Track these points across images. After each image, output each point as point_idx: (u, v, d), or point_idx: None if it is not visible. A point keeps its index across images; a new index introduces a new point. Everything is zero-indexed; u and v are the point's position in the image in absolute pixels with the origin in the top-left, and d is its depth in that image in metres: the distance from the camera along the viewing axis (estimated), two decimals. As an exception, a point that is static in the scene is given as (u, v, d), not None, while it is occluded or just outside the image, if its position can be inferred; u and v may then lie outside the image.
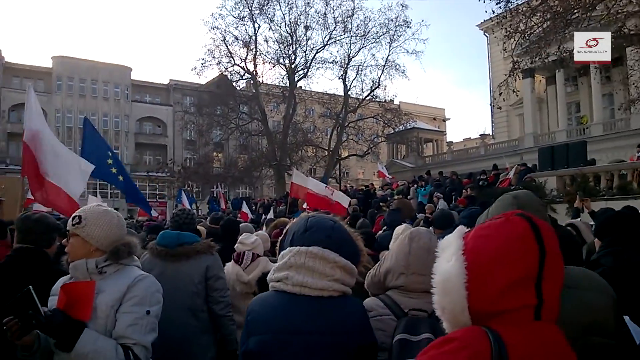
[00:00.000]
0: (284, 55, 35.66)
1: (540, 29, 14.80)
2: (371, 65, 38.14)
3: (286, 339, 1.75)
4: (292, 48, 35.44)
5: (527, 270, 1.09)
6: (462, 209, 10.48)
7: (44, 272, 2.55)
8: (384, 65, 35.49)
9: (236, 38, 35.20)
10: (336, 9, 34.86)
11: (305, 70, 36.25)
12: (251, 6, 34.39)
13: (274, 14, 35.05)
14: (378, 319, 1.92)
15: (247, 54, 35.62)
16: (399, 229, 4.12)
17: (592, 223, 4.51)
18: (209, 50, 35.02)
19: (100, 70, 47.49)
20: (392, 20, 34.64)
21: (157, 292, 2.33)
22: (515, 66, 16.06)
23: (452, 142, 49.93)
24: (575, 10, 13.55)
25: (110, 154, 7.70)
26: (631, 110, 20.56)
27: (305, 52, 35.90)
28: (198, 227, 5.12)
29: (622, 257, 2.96)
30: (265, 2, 34.41)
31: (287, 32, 35.12)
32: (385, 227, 7.02)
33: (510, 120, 37.60)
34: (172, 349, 3.60)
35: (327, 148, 37.46)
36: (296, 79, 36.17)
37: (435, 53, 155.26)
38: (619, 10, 14.18)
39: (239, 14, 34.71)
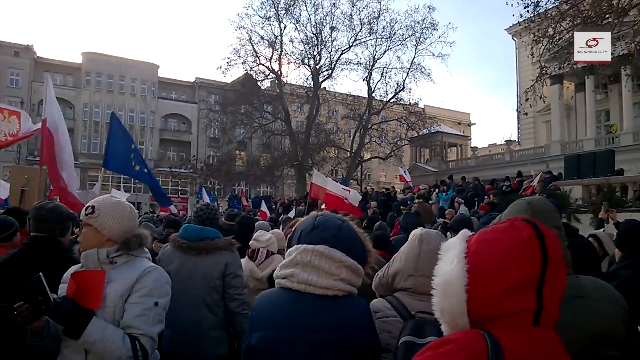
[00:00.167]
0: (309, 55, 35.80)
1: (569, 34, 14.53)
2: (396, 68, 38.05)
3: (289, 336, 1.75)
4: (317, 49, 35.53)
5: (529, 275, 1.08)
6: (482, 215, 10.36)
7: (58, 261, 2.59)
8: (409, 68, 35.37)
9: (262, 38, 35.46)
10: (362, 10, 34.89)
11: (330, 71, 36.30)
12: (277, 6, 34.59)
13: (300, 15, 35.20)
14: (384, 320, 1.91)
15: (272, 54, 35.85)
16: (415, 233, 4.09)
17: (616, 234, 4.42)
18: (234, 49, 35.29)
19: (128, 67, 48.28)
20: (418, 22, 34.54)
21: (166, 284, 2.36)
22: (543, 72, 15.80)
23: (477, 147, 49.37)
24: (608, 15, 13.28)
25: (133, 147, 7.80)
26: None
27: (330, 53, 36.01)
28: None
29: (642, 269, 2.89)
30: (292, 3, 34.58)
31: (313, 33, 35.24)
32: (401, 231, 6.96)
33: (537, 126, 37.06)
34: (186, 341, 3.64)
35: (349, 149, 37.46)
36: (320, 79, 36.23)
37: (462, 57, 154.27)
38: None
39: (265, 14, 34.97)
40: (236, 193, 32.69)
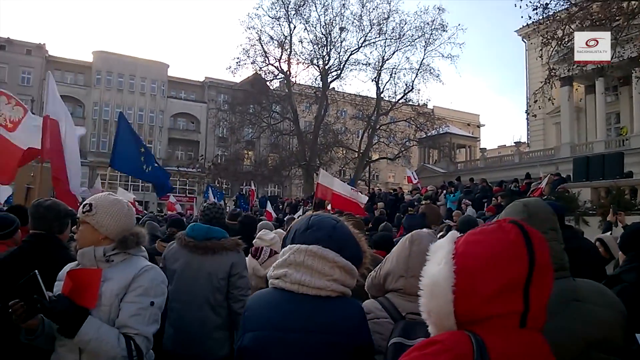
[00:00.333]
0: (318, 56, 35.86)
1: (578, 37, 14.43)
2: (405, 68, 38.25)
3: (281, 336, 1.73)
4: (327, 49, 35.60)
5: (516, 276, 1.08)
6: (489, 217, 10.29)
7: (56, 258, 2.60)
8: (418, 69, 35.37)
9: (271, 38, 35.60)
10: (372, 11, 34.92)
11: (339, 72, 36.35)
12: (287, 7, 34.71)
13: (310, 15, 35.29)
14: (375, 321, 1.90)
15: (282, 54, 35.97)
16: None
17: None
18: (244, 49, 35.47)
19: (138, 66, 48.57)
20: (428, 23, 34.52)
21: (162, 283, 2.34)
22: (552, 74, 15.69)
23: (486, 148, 49.15)
24: (617, 18, 13.18)
25: (143, 150, 7.84)
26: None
27: (339, 53, 36.05)
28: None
29: (646, 273, 2.85)
30: (302, 3, 34.66)
31: (322, 33, 35.32)
32: (405, 232, 6.94)
33: (547, 128, 36.80)
34: (188, 341, 3.64)
35: (357, 150, 37.42)
36: (329, 80, 36.27)
37: (472, 58, 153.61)
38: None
39: (275, 14, 35.12)
40: (244, 192, 32.76)
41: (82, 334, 2.04)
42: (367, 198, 13.71)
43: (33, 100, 39.67)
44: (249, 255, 4.65)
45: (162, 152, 47.67)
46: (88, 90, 46.58)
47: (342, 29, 35.14)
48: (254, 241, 4.81)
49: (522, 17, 15.09)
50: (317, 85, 36.88)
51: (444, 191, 20.15)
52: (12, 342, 2.34)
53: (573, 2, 14.49)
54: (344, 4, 34.75)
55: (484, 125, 65.75)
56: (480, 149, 47.57)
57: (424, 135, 38.14)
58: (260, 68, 36.19)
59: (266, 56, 35.78)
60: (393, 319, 1.92)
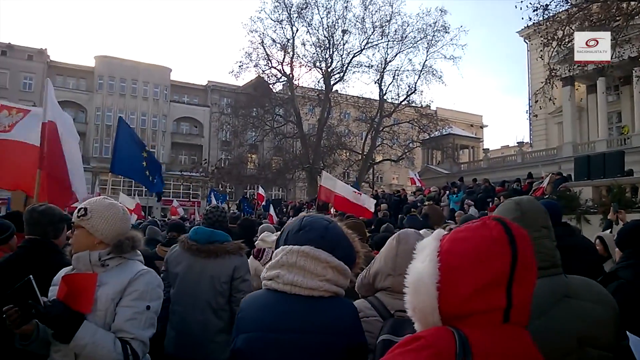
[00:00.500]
0: (321, 58, 35.92)
1: (578, 37, 14.43)
2: (408, 70, 38.15)
3: (274, 337, 1.74)
4: (329, 52, 35.65)
5: (498, 273, 1.09)
6: (491, 217, 10.23)
7: (52, 262, 2.60)
8: (421, 71, 35.44)
9: (274, 41, 35.65)
10: (374, 14, 35.01)
11: (341, 74, 36.43)
12: (290, 10, 34.78)
13: (312, 18, 35.38)
14: (365, 320, 1.90)
15: (284, 57, 36.03)
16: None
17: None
18: (246, 52, 35.51)
19: (141, 71, 48.67)
20: (430, 25, 34.59)
21: (158, 287, 2.34)
22: (553, 74, 15.68)
23: (489, 149, 49.09)
24: (617, 18, 13.17)
25: (146, 155, 7.85)
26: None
27: (341, 55, 36.12)
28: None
29: (643, 270, 2.84)
30: (304, 6, 34.73)
31: (325, 36, 35.38)
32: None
33: (549, 128, 36.76)
34: (190, 345, 3.63)
35: (360, 152, 37.42)
36: (332, 82, 36.31)
37: (474, 59, 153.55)
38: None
39: (277, 17, 35.20)
40: (247, 196, 32.77)
41: (77, 339, 2.03)
42: (375, 201, 13.67)
43: (34, 106, 39.71)
44: (251, 256, 4.67)
45: (165, 157, 47.72)
46: (90, 96, 46.67)
47: (344, 32, 35.21)
48: (256, 242, 4.83)
49: (522, 18, 15.12)
50: (320, 88, 36.97)
51: (447, 192, 20.16)
52: (6, 347, 2.33)
53: (573, 3, 14.50)
54: (346, 7, 34.92)
55: (487, 126, 65.82)
56: (483, 149, 47.56)
57: (427, 137, 38.16)
58: (263, 71, 36.31)
59: (269, 59, 35.89)
60: (382, 317, 1.93)
